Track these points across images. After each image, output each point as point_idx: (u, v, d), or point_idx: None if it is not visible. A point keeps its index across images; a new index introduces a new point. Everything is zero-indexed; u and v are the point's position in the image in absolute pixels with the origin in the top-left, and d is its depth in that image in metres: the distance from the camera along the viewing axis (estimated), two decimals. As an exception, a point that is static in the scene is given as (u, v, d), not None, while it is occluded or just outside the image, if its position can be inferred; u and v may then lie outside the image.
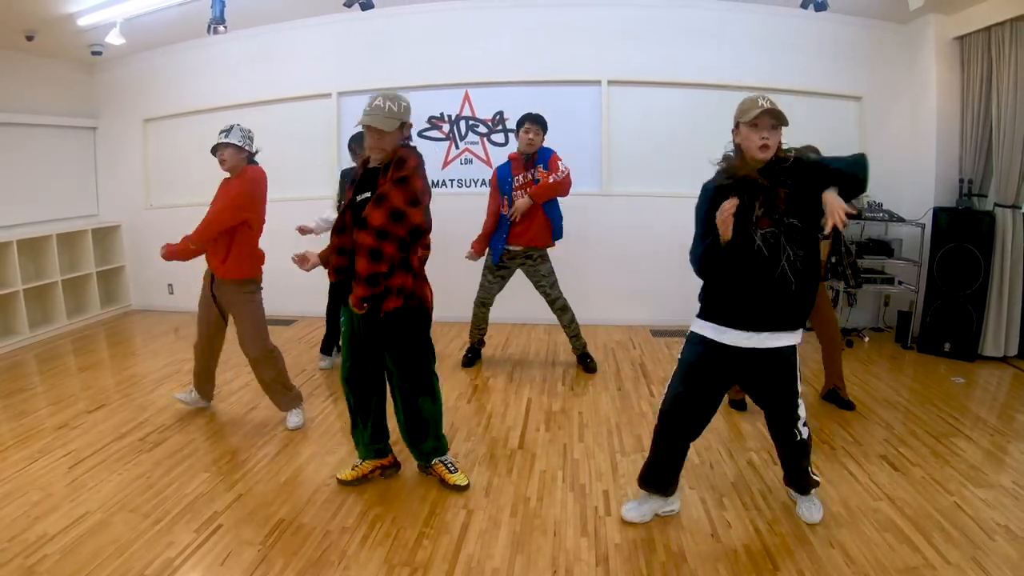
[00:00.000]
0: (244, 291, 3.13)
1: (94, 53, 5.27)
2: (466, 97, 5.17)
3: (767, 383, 2.24)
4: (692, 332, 2.25)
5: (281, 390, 3.22)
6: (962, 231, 4.29)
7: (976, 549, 2.16)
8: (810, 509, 2.36)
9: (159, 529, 2.31)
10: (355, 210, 2.32)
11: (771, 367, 2.19)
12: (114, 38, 4.61)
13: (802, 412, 2.27)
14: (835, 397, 3.44)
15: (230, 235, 3.06)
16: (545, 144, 3.90)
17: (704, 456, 2.85)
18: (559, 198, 3.88)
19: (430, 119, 5.17)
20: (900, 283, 4.71)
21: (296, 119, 5.40)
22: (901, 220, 4.67)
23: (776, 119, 2.05)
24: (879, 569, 2.05)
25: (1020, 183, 4.15)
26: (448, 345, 4.58)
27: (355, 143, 3.83)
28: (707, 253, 2.11)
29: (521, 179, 3.84)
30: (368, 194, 2.31)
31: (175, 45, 5.51)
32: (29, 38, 4.77)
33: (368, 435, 2.60)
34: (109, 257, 5.92)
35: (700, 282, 2.25)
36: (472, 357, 4.20)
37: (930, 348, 4.45)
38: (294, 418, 3.22)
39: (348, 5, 3.94)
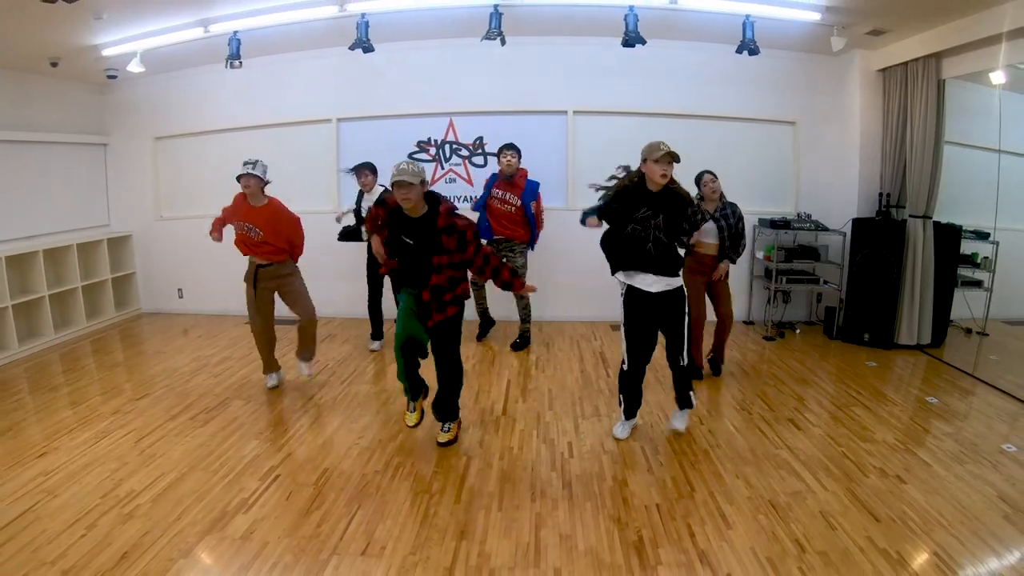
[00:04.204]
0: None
1: (109, 77, 5.67)
2: (450, 124, 5.78)
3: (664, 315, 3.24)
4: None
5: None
6: (877, 238, 5.00)
7: (851, 482, 2.87)
8: (681, 419, 3.38)
9: (229, 480, 2.94)
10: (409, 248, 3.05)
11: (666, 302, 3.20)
12: (134, 67, 5.03)
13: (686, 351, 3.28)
14: (714, 363, 4.41)
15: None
16: (522, 165, 4.87)
17: (647, 419, 3.63)
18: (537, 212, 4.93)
19: (419, 143, 5.79)
20: (826, 283, 5.48)
21: (298, 141, 5.93)
22: (825, 229, 5.39)
23: (672, 158, 2.99)
24: (771, 492, 2.79)
25: (929, 197, 4.79)
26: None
27: (362, 169, 4.91)
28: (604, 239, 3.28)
29: (499, 193, 4.83)
30: (411, 239, 3.01)
31: (185, 70, 5.93)
32: (53, 64, 5.17)
33: (416, 386, 3.30)
34: (120, 264, 6.37)
35: None
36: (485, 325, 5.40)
37: (852, 338, 5.17)
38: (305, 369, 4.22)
39: (352, 48, 4.56)
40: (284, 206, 4.01)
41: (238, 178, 3.84)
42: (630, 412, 3.41)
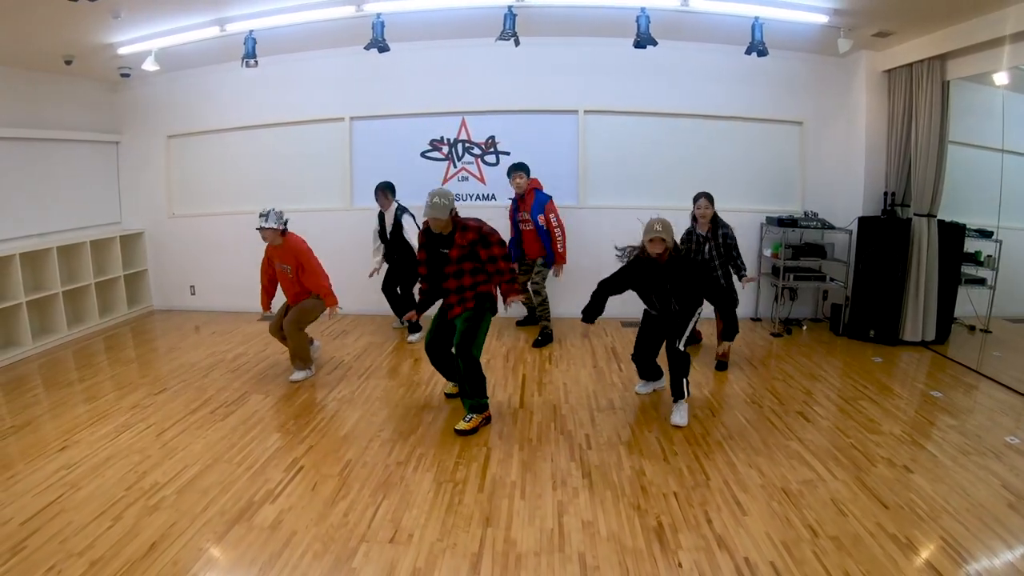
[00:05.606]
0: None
1: (123, 75, 5.71)
2: (463, 123, 5.84)
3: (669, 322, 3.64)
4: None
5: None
6: (882, 236, 5.06)
7: (860, 471, 2.95)
8: (679, 413, 3.54)
9: (253, 472, 2.99)
10: (442, 257, 3.47)
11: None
12: (149, 65, 5.03)
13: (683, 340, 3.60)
14: (721, 364, 4.53)
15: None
16: (533, 172, 5.03)
17: (662, 411, 3.71)
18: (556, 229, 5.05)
19: (431, 142, 5.86)
20: (832, 280, 5.55)
21: (312, 139, 5.99)
22: (832, 227, 5.46)
23: (663, 240, 3.31)
24: (783, 481, 2.87)
25: (934, 195, 4.87)
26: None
27: (378, 191, 5.23)
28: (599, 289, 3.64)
29: (520, 215, 5.08)
30: (446, 249, 3.43)
31: (198, 68, 5.96)
32: (68, 62, 5.20)
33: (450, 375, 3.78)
34: (132, 261, 6.41)
35: None
36: (528, 317, 5.69)
37: (857, 334, 5.24)
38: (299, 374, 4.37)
39: (368, 48, 4.61)
40: (298, 237, 4.36)
41: (257, 229, 4.19)
42: (643, 377, 3.98)
